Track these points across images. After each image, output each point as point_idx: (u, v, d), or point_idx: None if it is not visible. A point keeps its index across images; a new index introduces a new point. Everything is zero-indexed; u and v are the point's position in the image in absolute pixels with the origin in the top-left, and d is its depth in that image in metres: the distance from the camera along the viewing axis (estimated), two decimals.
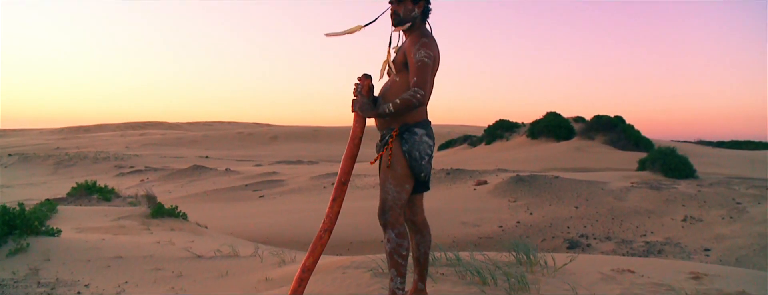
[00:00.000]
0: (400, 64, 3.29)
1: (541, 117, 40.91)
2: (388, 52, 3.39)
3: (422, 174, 3.26)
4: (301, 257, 5.07)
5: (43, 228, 6.05)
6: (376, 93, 3.45)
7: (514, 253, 3.97)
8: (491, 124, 46.66)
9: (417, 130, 3.25)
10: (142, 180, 32.37)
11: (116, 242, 6.10)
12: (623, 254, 11.01)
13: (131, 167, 40.35)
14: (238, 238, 11.02)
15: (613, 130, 35.61)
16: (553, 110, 41.36)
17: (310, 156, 58.72)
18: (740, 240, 11.39)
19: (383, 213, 3.21)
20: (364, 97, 3.30)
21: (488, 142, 44.17)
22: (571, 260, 3.88)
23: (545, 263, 3.80)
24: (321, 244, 3.19)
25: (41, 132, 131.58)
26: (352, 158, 3.31)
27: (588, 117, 39.99)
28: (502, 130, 44.87)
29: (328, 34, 3.39)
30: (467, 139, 50.18)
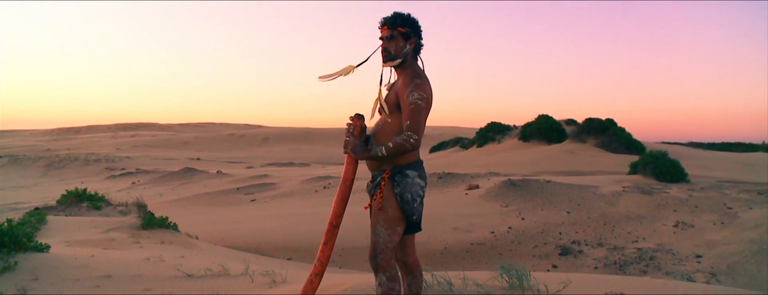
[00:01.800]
0: (392, 105, 3.23)
1: (533, 119, 40.96)
2: (380, 91, 3.34)
3: (414, 217, 3.21)
4: (292, 277, 5.03)
5: (32, 244, 5.99)
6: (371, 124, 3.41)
7: (507, 278, 3.93)
8: (483, 126, 46.69)
9: (409, 172, 3.20)
10: (133, 183, 32.26)
11: (106, 259, 6.04)
12: (615, 261, 11.02)
13: (122, 169, 40.21)
14: (229, 248, 10.96)
15: (604, 133, 35.66)
16: (544, 113, 41.46)
17: (302, 158, 58.71)
18: (732, 246, 11.41)
19: (374, 256, 3.15)
20: (356, 138, 3.25)
21: (480, 145, 44.17)
22: (564, 287, 3.84)
23: (538, 290, 3.76)
24: (312, 288, 3.15)
25: (32, 133, 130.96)
26: (343, 200, 3.26)
27: (580, 120, 40.09)
28: (493, 132, 44.87)
29: (321, 78, 3.35)
30: (459, 141, 50.21)
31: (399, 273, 3.29)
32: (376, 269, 3.15)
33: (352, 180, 3.29)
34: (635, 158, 25.60)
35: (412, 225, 3.28)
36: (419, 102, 3.08)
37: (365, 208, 3.23)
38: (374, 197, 3.22)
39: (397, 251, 3.35)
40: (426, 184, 3.28)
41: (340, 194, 3.26)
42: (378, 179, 3.25)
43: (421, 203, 3.24)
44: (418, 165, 3.26)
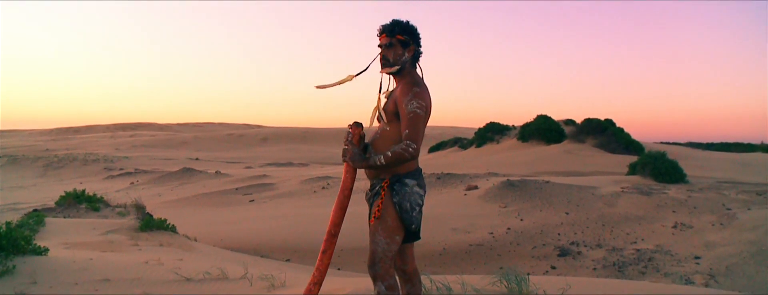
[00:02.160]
0: (391, 114, 3.22)
1: (532, 120, 40.97)
2: (378, 98, 3.33)
3: (413, 226, 3.20)
4: (291, 281, 5.03)
5: (30, 247, 5.98)
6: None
7: (505, 283, 3.92)
8: (482, 126, 46.72)
9: (408, 181, 3.19)
10: (132, 183, 32.24)
11: (104, 262, 6.03)
12: (614, 262, 11.02)
13: (121, 169, 40.17)
14: (228, 249, 10.94)
15: (603, 134, 35.71)
16: (543, 113, 41.49)
17: (301, 158, 58.74)
18: (730, 247, 11.41)
19: (373, 265, 3.14)
20: (355, 146, 3.24)
21: (479, 145, 44.19)
22: (563, 292, 3.84)
23: None
24: None
25: (31, 133, 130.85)
26: (342, 209, 3.25)
27: (578, 120, 40.13)
28: (492, 132, 44.90)
29: (318, 87, 3.34)
30: (458, 141, 50.24)
31: (398, 282, 3.28)
32: (375, 278, 3.15)
33: (351, 189, 3.27)
34: (634, 158, 25.63)
35: (411, 234, 3.27)
36: (418, 111, 3.07)
37: (371, 222, 3.21)
38: (373, 207, 3.22)
39: (396, 260, 3.35)
40: (425, 192, 3.26)
41: (338, 202, 3.24)
42: (377, 188, 3.24)
43: (420, 211, 3.23)
44: (416, 174, 3.25)
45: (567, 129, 39.62)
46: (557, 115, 42.65)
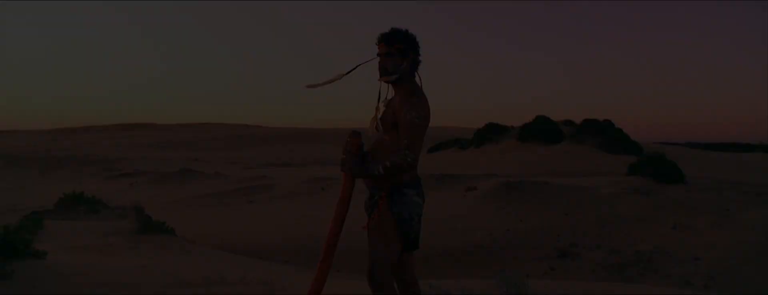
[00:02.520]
0: (389, 123, 3.21)
1: (531, 120, 40.99)
2: (377, 108, 3.32)
3: (411, 235, 3.20)
4: (290, 285, 5.03)
5: (29, 250, 5.95)
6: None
7: (504, 286, 3.92)
8: (481, 127, 46.71)
9: (407, 190, 3.17)
10: (131, 184, 32.21)
11: (103, 266, 6.03)
12: (613, 264, 11.03)
13: (120, 170, 40.12)
14: (227, 251, 10.93)
15: (602, 134, 35.78)
16: (542, 114, 41.52)
17: (300, 158, 58.66)
18: (729, 248, 11.43)
19: (372, 274, 3.14)
20: (354, 156, 3.23)
21: (478, 146, 44.17)
22: None
23: None
24: None
25: (30, 133, 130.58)
26: (341, 219, 3.23)
27: (577, 121, 40.18)
28: (491, 133, 44.88)
29: (308, 86, 3.33)
30: (457, 142, 50.19)
31: (396, 290, 3.27)
32: (374, 288, 3.14)
33: (349, 199, 3.26)
34: (633, 158, 25.65)
35: (410, 243, 3.26)
36: (417, 120, 3.06)
37: (363, 228, 3.21)
38: (372, 216, 3.21)
39: (395, 268, 3.34)
40: (424, 202, 3.26)
41: (337, 213, 3.22)
42: (375, 198, 3.23)
43: (419, 221, 3.22)
44: (416, 183, 3.23)
45: (566, 130, 39.68)
46: (556, 116, 42.72)
